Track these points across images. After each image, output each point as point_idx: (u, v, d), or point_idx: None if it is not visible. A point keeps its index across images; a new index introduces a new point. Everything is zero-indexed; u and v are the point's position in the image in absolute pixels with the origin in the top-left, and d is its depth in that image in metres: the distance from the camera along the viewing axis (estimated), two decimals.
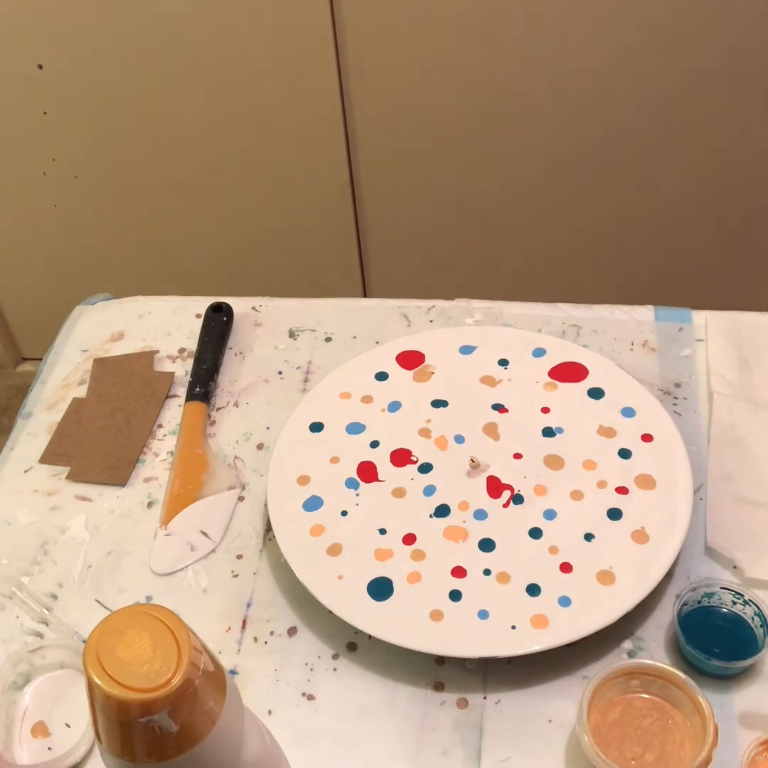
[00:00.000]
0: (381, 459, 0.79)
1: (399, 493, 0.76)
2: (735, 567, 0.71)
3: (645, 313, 0.91)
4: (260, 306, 0.97)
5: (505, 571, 0.70)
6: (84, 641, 0.62)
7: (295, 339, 0.93)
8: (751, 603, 0.66)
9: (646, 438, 0.77)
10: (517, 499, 0.75)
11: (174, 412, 0.88)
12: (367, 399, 0.83)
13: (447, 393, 0.83)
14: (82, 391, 0.90)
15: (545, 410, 0.81)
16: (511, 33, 1.36)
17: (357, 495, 0.76)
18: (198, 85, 1.48)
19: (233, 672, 0.69)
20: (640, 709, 0.62)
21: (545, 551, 0.71)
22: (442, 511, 0.74)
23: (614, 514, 0.73)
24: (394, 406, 0.82)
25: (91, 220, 1.69)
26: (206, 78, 1.47)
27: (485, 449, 0.78)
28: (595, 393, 0.81)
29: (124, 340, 0.95)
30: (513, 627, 0.67)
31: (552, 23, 1.34)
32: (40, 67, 1.48)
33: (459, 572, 0.70)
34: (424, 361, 0.86)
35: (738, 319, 0.89)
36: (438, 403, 0.82)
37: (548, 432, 0.79)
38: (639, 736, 0.61)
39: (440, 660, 0.68)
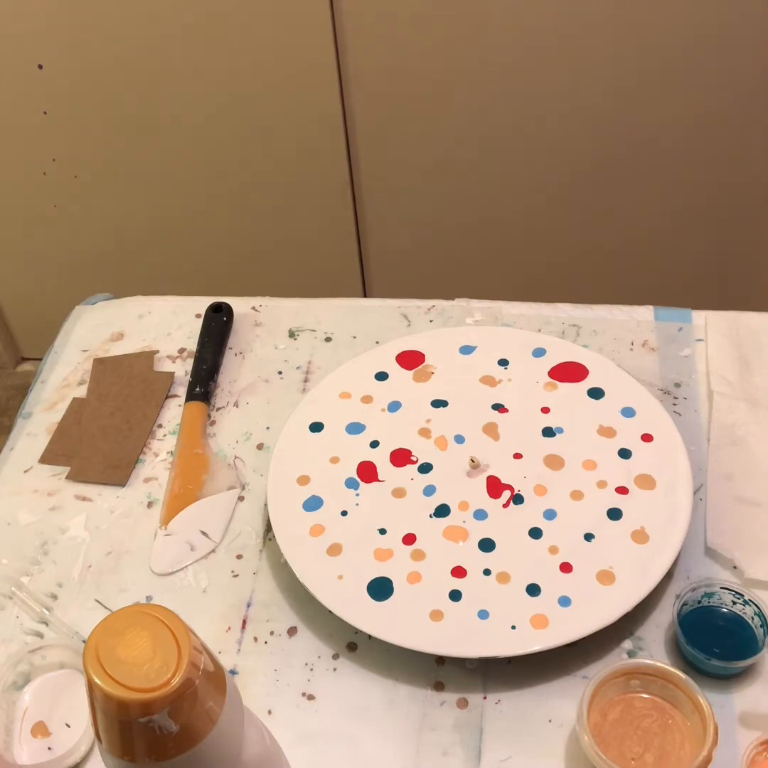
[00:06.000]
0: (381, 459, 0.79)
1: (399, 493, 0.76)
2: (735, 567, 0.71)
3: (645, 313, 0.91)
4: (260, 306, 0.97)
5: (505, 571, 0.70)
6: (84, 641, 0.62)
7: (295, 339, 0.93)
8: (751, 603, 0.66)
9: (646, 438, 0.77)
10: (517, 499, 0.75)
11: (174, 412, 0.88)
12: (367, 399, 0.83)
13: (447, 393, 0.83)
14: (82, 391, 0.90)
15: (545, 410, 0.81)
16: (512, 34, 1.36)
17: (357, 495, 0.76)
18: (198, 86, 1.48)
19: (233, 672, 0.69)
20: (640, 709, 0.62)
21: (545, 551, 0.71)
22: (442, 511, 0.74)
23: (614, 514, 0.73)
24: (394, 406, 0.82)
25: (91, 220, 1.69)
26: (206, 78, 1.47)
27: (485, 449, 0.78)
28: (595, 393, 0.81)
29: (124, 340, 0.95)
30: (513, 627, 0.67)
31: (554, 24, 1.34)
32: (40, 67, 1.48)
33: (459, 572, 0.70)
34: (424, 361, 0.86)
35: (738, 319, 0.89)
36: (438, 403, 0.82)
37: (548, 432, 0.79)
38: (639, 736, 0.61)
39: (440, 660, 0.68)
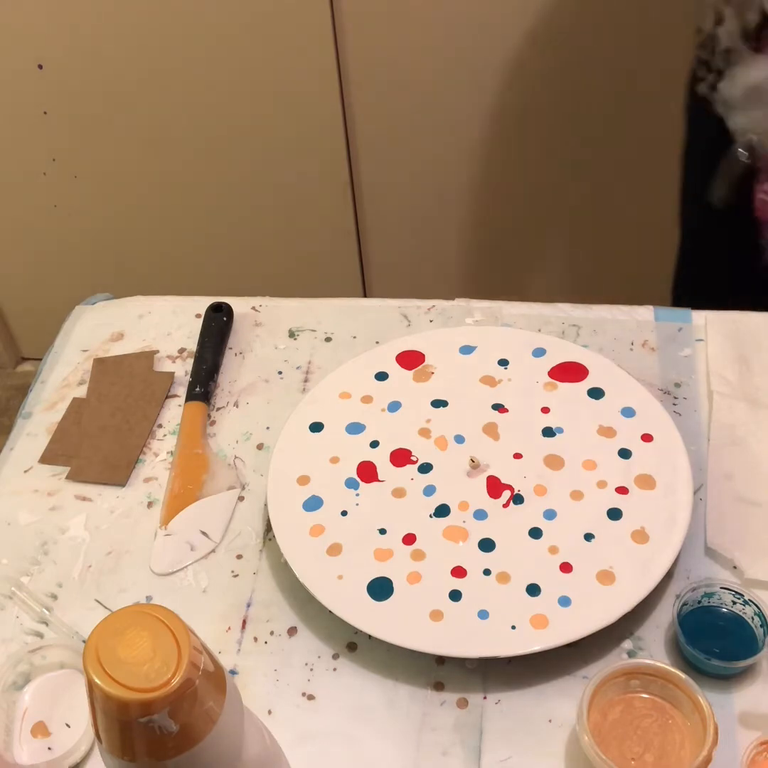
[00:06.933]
0: (381, 459, 0.79)
1: (399, 493, 0.76)
2: (735, 567, 0.71)
3: (645, 313, 0.91)
4: (260, 306, 0.97)
5: (505, 571, 0.70)
6: (84, 641, 0.62)
7: (295, 339, 0.93)
8: (751, 603, 0.66)
9: (646, 438, 0.77)
10: (517, 499, 0.75)
11: (174, 412, 0.88)
12: (367, 399, 0.83)
13: (447, 393, 0.83)
14: (82, 391, 0.90)
15: (545, 410, 0.81)
16: (512, 33, 1.36)
17: (357, 495, 0.76)
18: (198, 85, 1.48)
19: (233, 672, 0.69)
20: (640, 709, 0.62)
21: (545, 551, 0.71)
22: (442, 511, 0.74)
23: (614, 514, 0.73)
24: (394, 406, 0.82)
25: (91, 220, 1.69)
26: (206, 78, 1.47)
27: (485, 449, 0.78)
28: (595, 393, 0.81)
29: (124, 340, 0.95)
30: (513, 627, 0.67)
31: (553, 23, 1.34)
32: (40, 67, 1.48)
33: (459, 572, 0.70)
34: (424, 361, 0.86)
35: (738, 319, 0.89)
36: (438, 403, 0.82)
37: (548, 432, 0.79)
38: (639, 736, 0.61)
39: (440, 660, 0.68)
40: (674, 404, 0.83)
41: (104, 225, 1.69)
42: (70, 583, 0.75)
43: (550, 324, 0.91)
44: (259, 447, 0.84)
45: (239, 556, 0.76)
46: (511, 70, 1.40)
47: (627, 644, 0.68)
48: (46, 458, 0.85)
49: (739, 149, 0.90)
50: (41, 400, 0.90)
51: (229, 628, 0.71)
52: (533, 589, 0.69)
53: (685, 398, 0.84)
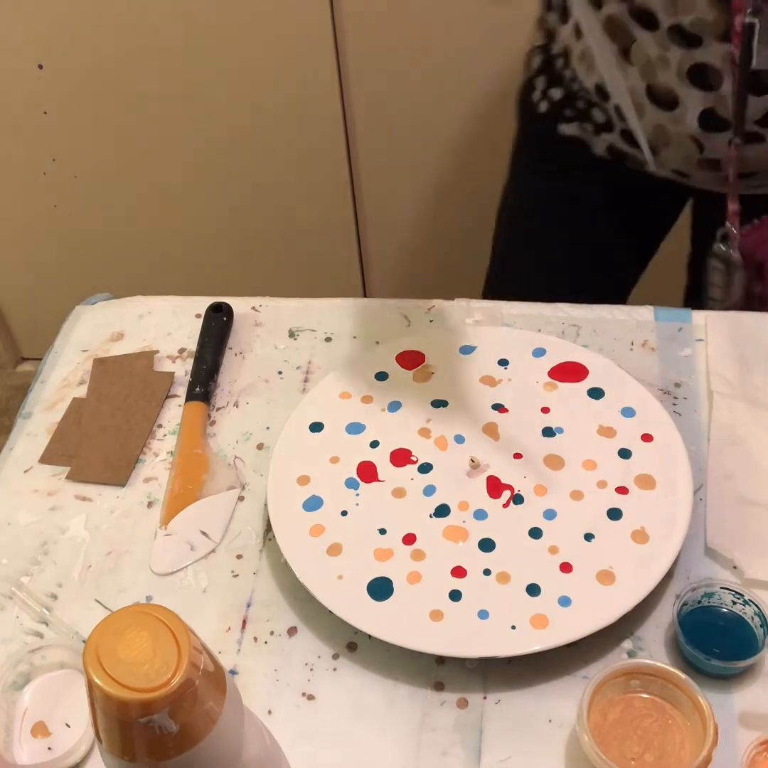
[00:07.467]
0: (381, 459, 0.79)
1: (399, 493, 0.76)
2: (735, 567, 0.71)
3: (645, 313, 0.91)
4: (260, 306, 0.97)
5: (505, 571, 0.70)
6: (84, 641, 0.62)
7: (295, 339, 0.93)
8: (751, 603, 0.66)
9: (646, 438, 0.77)
10: (517, 499, 0.75)
11: (174, 412, 0.88)
12: (367, 399, 0.83)
13: (447, 393, 0.83)
14: (82, 391, 0.90)
15: (545, 410, 0.81)
16: (512, 33, 1.36)
17: (357, 495, 0.76)
18: (198, 85, 1.48)
19: (233, 672, 0.69)
20: (640, 709, 0.62)
21: (545, 551, 0.71)
22: (442, 511, 0.74)
23: (614, 514, 0.73)
24: (394, 406, 0.82)
25: (91, 220, 1.69)
26: (206, 78, 1.47)
27: (485, 449, 0.78)
28: (595, 393, 0.81)
29: (124, 340, 0.95)
30: (513, 627, 0.67)
31: None
32: (40, 67, 1.48)
33: (459, 572, 0.70)
34: (424, 361, 0.86)
35: (738, 319, 0.89)
36: (438, 403, 0.82)
37: (548, 432, 0.79)
38: (639, 736, 0.61)
39: (440, 660, 0.68)
40: (674, 404, 0.83)
41: (104, 225, 1.69)
42: (70, 583, 0.75)
43: (550, 324, 0.91)
44: (259, 447, 0.84)
45: (239, 556, 0.76)
46: (511, 71, 1.40)
47: (627, 644, 0.68)
48: (46, 458, 0.85)
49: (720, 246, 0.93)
50: (41, 400, 0.90)
51: (229, 628, 0.71)
52: (533, 589, 0.69)
53: (685, 398, 0.84)
